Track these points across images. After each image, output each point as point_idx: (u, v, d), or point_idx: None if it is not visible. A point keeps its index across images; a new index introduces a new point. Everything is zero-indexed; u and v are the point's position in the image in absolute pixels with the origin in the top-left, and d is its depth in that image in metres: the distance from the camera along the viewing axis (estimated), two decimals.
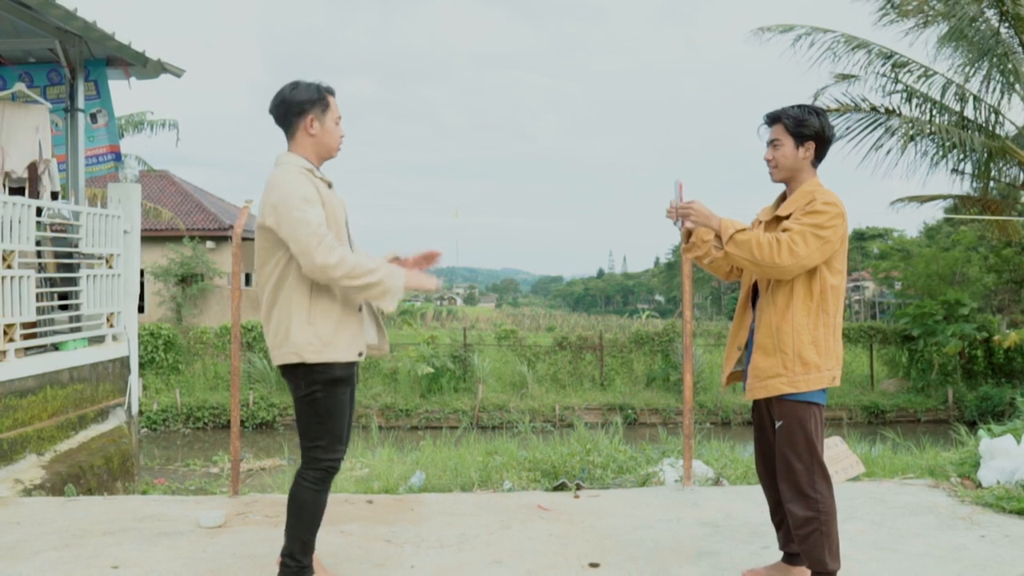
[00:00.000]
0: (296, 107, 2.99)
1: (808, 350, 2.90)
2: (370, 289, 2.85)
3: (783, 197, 3.10)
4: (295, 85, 3.02)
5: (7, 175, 6.50)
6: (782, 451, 2.96)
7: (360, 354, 3.01)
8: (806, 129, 2.98)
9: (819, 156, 3.03)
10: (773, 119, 3.05)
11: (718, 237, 2.99)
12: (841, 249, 2.94)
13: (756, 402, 3.12)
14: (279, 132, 3.08)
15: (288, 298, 2.92)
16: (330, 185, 3.06)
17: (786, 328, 2.92)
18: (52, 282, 6.31)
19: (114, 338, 6.84)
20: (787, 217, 2.97)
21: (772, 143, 3.05)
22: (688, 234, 3.19)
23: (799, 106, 3.03)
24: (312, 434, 2.97)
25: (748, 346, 3.12)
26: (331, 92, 3.06)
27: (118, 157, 7.52)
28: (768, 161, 3.07)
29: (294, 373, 2.95)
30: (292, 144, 3.04)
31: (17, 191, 6.48)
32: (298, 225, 2.81)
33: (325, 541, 3.32)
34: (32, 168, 6.61)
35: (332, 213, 2.94)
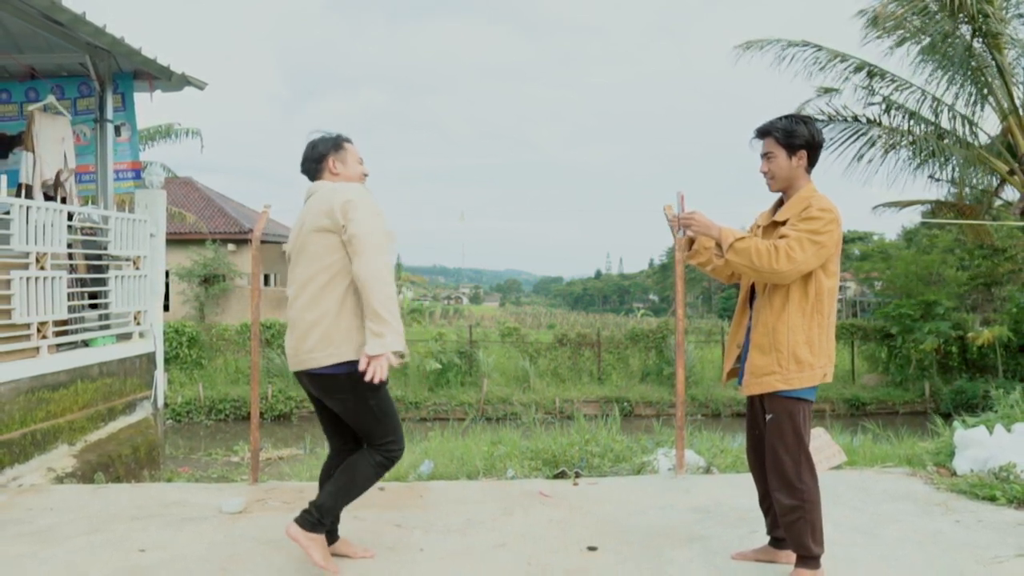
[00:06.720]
0: (317, 156, 3.10)
1: (802, 349, 2.87)
2: (380, 323, 2.79)
3: (780, 202, 3.07)
4: (313, 144, 3.12)
5: (43, 182, 6.52)
6: (771, 443, 2.95)
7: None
8: (797, 139, 2.94)
9: (812, 162, 2.99)
10: (763, 132, 3.00)
11: (718, 245, 2.95)
12: (836, 253, 2.90)
13: (750, 397, 3.11)
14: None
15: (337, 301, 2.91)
16: None
17: (782, 328, 2.89)
18: (83, 282, 6.32)
19: (141, 335, 6.85)
20: (784, 222, 2.94)
21: (766, 156, 3.00)
22: (690, 242, 3.18)
23: (786, 117, 2.99)
24: (379, 431, 3.01)
25: (745, 344, 3.10)
26: (348, 140, 3.16)
27: (138, 175, 7.52)
28: (764, 173, 3.02)
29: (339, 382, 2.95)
30: None
31: (48, 198, 6.49)
32: (374, 224, 2.84)
33: (341, 525, 3.32)
34: (55, 176, 6.62)
35: None
